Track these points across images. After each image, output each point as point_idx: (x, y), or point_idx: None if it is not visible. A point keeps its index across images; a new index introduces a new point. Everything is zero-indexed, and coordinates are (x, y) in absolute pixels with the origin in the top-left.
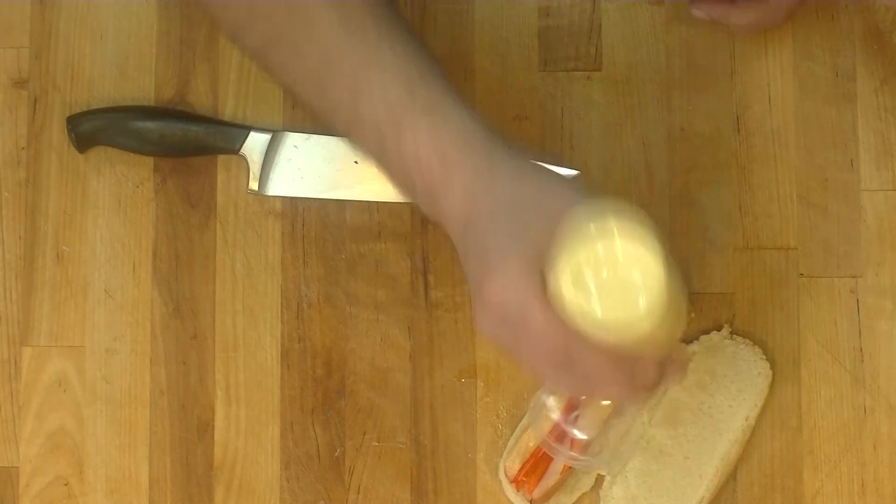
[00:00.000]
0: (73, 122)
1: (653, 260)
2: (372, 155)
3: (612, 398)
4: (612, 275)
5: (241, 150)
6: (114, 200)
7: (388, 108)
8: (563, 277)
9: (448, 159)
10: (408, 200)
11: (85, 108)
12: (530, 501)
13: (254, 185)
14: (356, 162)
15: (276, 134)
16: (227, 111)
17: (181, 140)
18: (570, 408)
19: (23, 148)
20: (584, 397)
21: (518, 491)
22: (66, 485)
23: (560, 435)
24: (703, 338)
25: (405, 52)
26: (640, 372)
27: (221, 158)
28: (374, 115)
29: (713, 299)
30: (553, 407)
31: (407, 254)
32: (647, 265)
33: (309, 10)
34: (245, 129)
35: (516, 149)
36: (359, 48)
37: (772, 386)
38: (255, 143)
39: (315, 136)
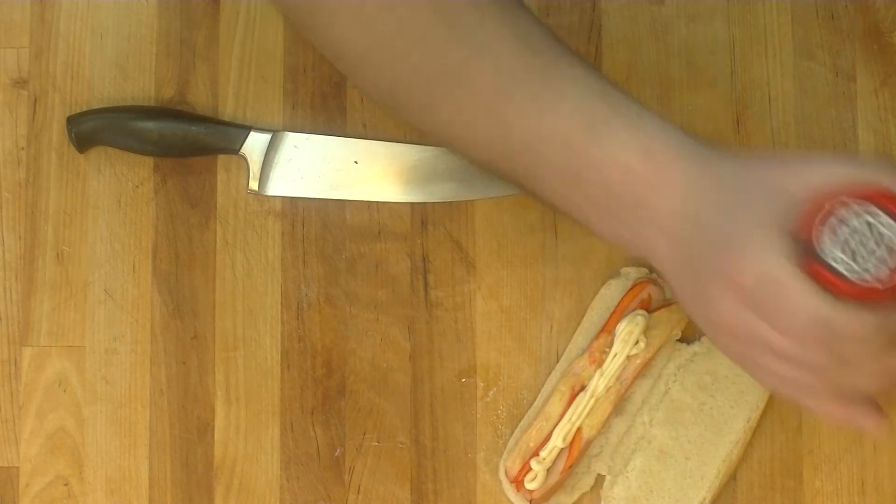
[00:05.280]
0: (73, 122)
1: None
2: (543, 181)
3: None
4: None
5: (241, 150)
6: (114, 200)
7: (580, 116)
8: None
9: (654, 155)
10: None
11: (85, 108)
12: (530, 501)
13: (254, 185)
14: (356, 162)
15: (276, 134)
16: (227, 111)
17: (181, 140)
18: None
19: (23, 148)
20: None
21: (518, 491)
22: (66, 485)
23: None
24: (704, 338)
25: (579, 62)
26: None
27: (221, 158)
28: (560, 127)
29: None
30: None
31: (407, 254)
32: None
33: (480, 36)
34: (245, 129)
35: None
36: (535, 63)
37: None
38: (255, 143)
39: (315, 136)
